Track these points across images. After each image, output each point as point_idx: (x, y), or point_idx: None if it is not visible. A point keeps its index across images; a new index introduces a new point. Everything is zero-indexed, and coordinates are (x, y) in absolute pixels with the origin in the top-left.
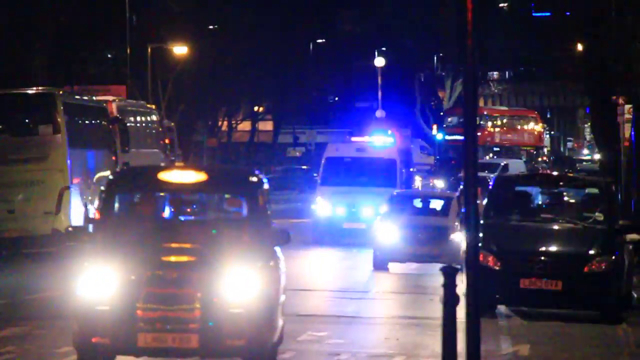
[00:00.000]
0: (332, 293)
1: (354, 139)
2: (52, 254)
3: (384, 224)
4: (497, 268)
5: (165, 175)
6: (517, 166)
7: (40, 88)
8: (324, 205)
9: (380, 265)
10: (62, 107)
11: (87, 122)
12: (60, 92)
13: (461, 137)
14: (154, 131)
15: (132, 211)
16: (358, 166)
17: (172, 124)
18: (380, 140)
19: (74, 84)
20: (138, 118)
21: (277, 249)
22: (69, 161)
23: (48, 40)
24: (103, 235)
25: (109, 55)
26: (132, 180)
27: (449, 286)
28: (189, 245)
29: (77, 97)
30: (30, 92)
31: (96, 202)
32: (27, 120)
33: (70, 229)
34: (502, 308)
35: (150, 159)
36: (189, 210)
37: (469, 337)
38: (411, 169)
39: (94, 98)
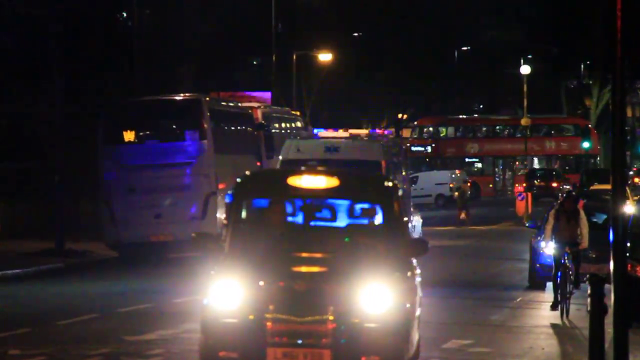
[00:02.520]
0: (477, 302)
1: (323, 133)
2: (198, 259)
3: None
4: None
5: (295, 180)
6: None
7: (187, 95)
8: None
9: (538, 284)
10: (208, 114)
11: (232, 128)
12: (207, 99)
13: None
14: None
15: (260, 217)
16: None
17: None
18: (357, 136)
19: (220, 90)
20: (282, 124)
21: (413, 259)
22: (214, 167)
23: (195, 48)
24: (230, 243)
25: (255, 63)
26: (260, 185)
27: (595, 296)
28: (320, 254)
29: (223, 103)
30: (177, 98)
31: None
32: (174, 126)
33: (194, 235)
34: None
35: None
36: (319, 217)
37: (616, 349)
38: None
39: (240, 105)
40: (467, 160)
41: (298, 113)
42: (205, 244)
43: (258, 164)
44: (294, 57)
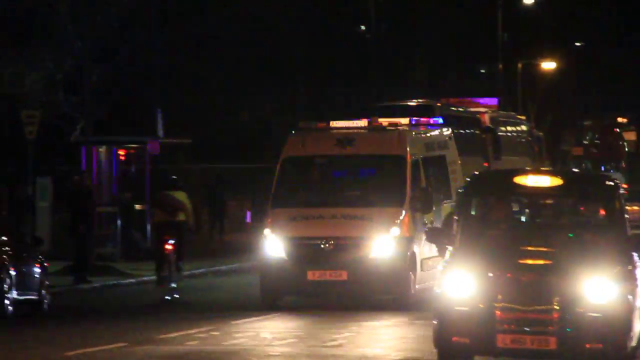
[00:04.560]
0: None
1: (334, 123)
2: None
3: None
4: None
5: (522, 179)
6: None
7: (420, 100)
8: (278, 243)
9: None
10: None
11: (461, 131)
12: (438, 104)
13: None
14: (523, 140)
15: (487, 214)
16: (340, 171)
17: (541, 133)
18: (378, 125)
19: (449, 96)
20: (508, 128)
21: (635, 254)
22: None
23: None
24: (460, 238)
25: (482, 71)
26: (488, 184)
27: None
28: (546, 248)
29: (453, 108)
30: (411, 103)
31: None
32: None
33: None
34: None
35: (519, 166)
36: (544, 214)
37: None
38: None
39: (468, 109)
40: None
41: (523, 117)
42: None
43: (485, 164)
44: (519, 65)
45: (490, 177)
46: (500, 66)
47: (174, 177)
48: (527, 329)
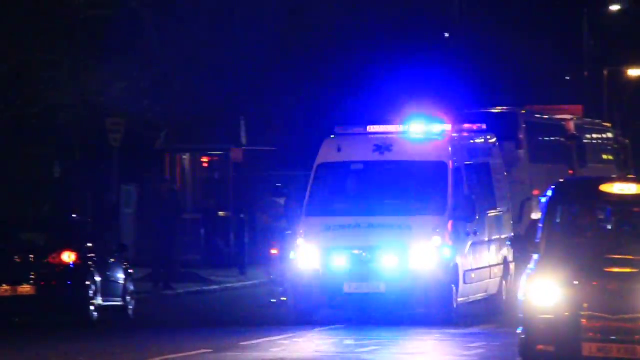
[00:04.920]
0: None
1: (372, 127)
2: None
3: None
4: None
5: (607, 187)
6: None
7: (504, 108)
8: (312, 253)
9: None
10: (524, 125)
11: (546, 138)
12: (522, 112)
13: None
14: (609, 148)
15: (572, 222)
16: (378, 178)
17: (627, 141)
18: (419, 129)
19: (534, 104)
20: (594, 135)
21: None
22: (529, 175)
23: (510, 64)
24: (545, 245)
25: (567, 78)
26: (574, 191)
27: None
28: (632, 256)
29: (537, 115)
30: (495, 111)
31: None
32: None
33: (511, 237)
34: None
35: (604, 174)
36: (629, 222)
37: None
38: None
39: (553, 117)
40: None
41: (609, 124)
42: (522, 245)
43: (570, 172)
44: (605, 72)
45: (575, 185)
46: (586, 73)
47: (278, 184)
48: (614, 338)
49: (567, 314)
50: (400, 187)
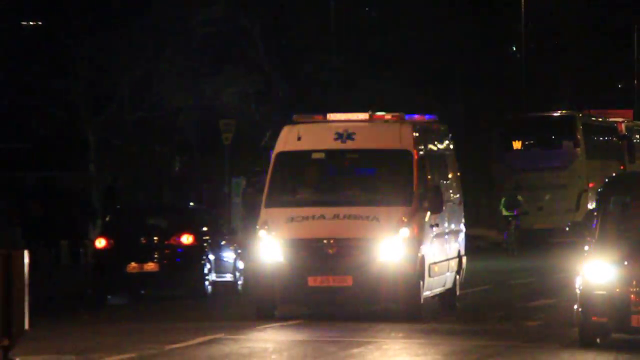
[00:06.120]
0: None
1: (332, 115)
2: (573, 243)
3: None
4: None
5: None
6: None
7: (564, 111)
8: (274, 246)
9: None
10: (581, 127)
11: (600, 138)
12: (580, 115)
13: None
14: None
15: (625, 210)
16: (341, 167)
17: None
18: (381, 117)
19: (591, 108)
20: None
21: None
22: (586, 170)
23: (572, 72)
24: (599, 231)
25: (619, 85)
26: (625, 184)
27: None
28: None
29: (592, 118)
30: (555, 114)
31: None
32: (552, 137)
33: (570, 224)
34: None
35: None
36: None
37: None
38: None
39: (607, 119)
40: None
41: None
42: (580, 231)
43: (621, 167)
44: None
45: (626, 178)
46: (636, 81)
47: None
48: None
49: (618, 290)
50: (364, 176)
